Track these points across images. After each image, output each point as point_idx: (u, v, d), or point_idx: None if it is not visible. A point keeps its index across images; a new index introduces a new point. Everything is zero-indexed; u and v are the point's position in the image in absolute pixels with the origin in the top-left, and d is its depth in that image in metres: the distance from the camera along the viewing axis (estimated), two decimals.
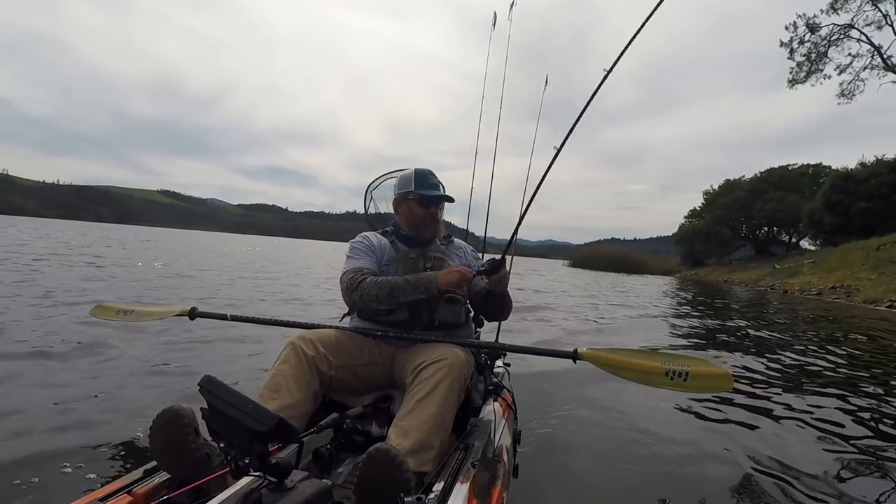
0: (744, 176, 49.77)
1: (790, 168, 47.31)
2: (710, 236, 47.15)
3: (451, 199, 1.99)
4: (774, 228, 45.96)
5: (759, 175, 48.06)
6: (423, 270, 1.85)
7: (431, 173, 1.95)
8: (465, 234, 2.56)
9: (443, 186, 2.01)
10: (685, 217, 53.06)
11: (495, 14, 3.11)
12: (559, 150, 1.83)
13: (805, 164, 47.25)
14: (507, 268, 1.96)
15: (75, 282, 7.52)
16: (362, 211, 2.23)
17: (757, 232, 47.33)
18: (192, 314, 2.13)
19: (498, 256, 1.80)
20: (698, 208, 51.60)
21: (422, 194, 1.89)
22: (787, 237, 45.28)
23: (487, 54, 3.03)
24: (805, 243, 41.35)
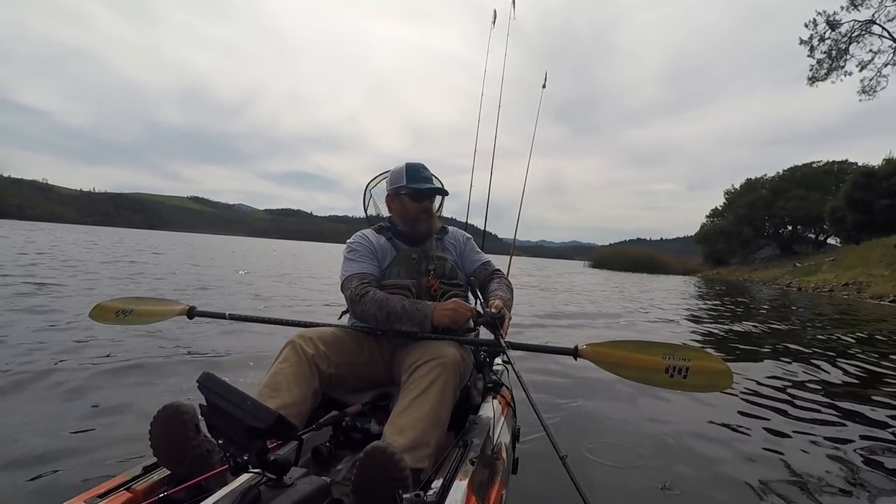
0: (766, 174, 49.48)
1: (814, 165, 46.73)
2: (731, 236, 46.84)
3: (444, 192, 1.95)
4: (799, 227, 45.41)
5: (780, 173, 47.72)
6: (425, 272, 1.82)
7: (423, 167, 1.90)
8: (465, 226, 2.57)
9: (438, 180, 1.96)
10: (707, 216, 52.84)
11: (495, 12, 3.11)
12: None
13: (830, 161, 46.59)
14: (509, 268, 2.07)
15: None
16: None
17: (781, 230, 46.81)
18: (191, 313, 2.11)
19: (495, 308, 1.70)
20: (720, 208, 51.36)
21: (414, 188, 1.84)
22: (814, 235, 44.68)
23: (487, 52, 3.06)
24: (833, 241, 40.80)
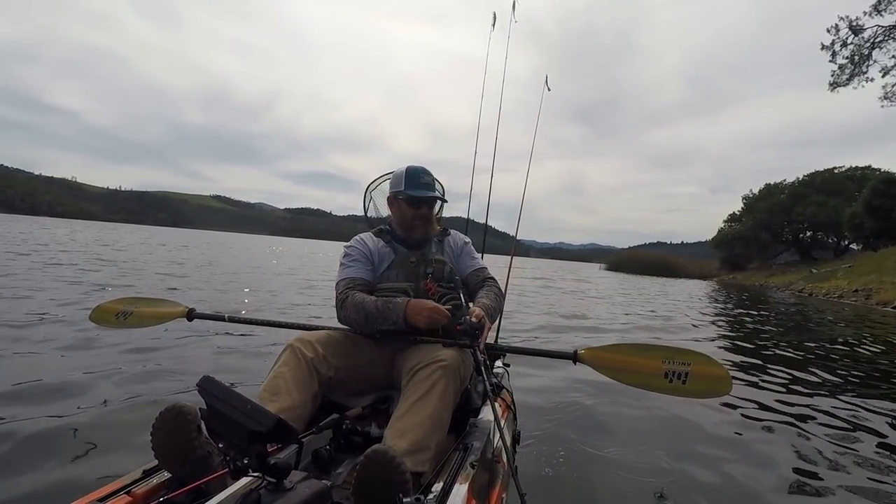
0: (785, 180, 49.06)
1: (836, 171, 46.18)
2: (749, 240, 46.54)
3: (443, 200, 1.93)
4: (819, 234, 44.97)
5: (800, 179, 47.27)
6: (424, 275, 1.82)
7: (424, 171, 1.86)
8: (466, 227, 2.62)
9: (440, 185, 1.94)
10: (724, 221, 52.49)
11: (494, 14, 3.12)
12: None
13: (853, 166, 46.00)
14: (508, 272, 2.19)
15: None
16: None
17: (800, 236, 46.37)
18: (190, 315, 2.10)
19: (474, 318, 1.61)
20: (738, 212, 51.01)
21: (410, 195, 1.82)
22: (836, 241, 44.17)
23: (487, 54, 3.11)
24: (856, 247, 40.33)
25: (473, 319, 1.61)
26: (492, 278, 1.97)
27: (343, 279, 1.80)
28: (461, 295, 1.78)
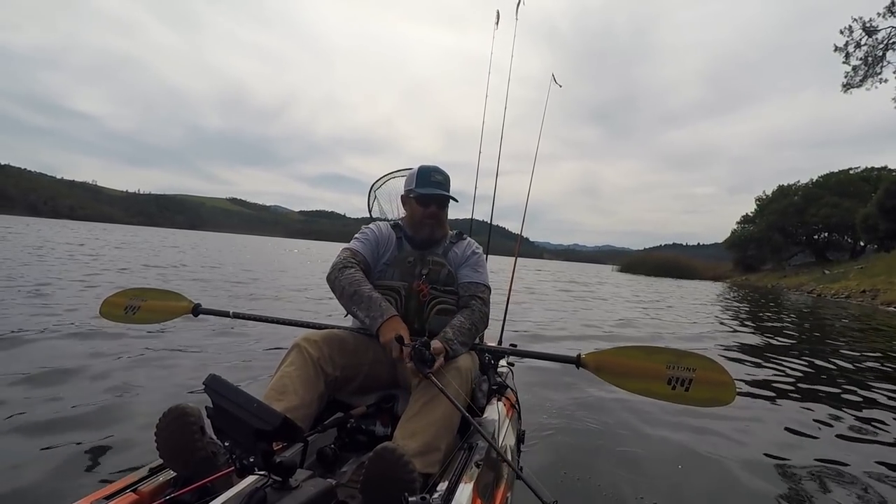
0: (799, 181, 48.89)
1: (851, 172, 45.89)
2: (762, 242, 46.48)
3: (452, 199, 1.89)
4: (835, 235, 44.76)
5: (813, 181, 47.07)
6: (419, 275, 1.81)
7: (437, 170, 1.84)
8: (470, 229, 2.60)
9: (449, 185, 1.89)
10: (737, 223, 52.45)
11: (498, 13, 3.11)
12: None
13: (868, 167, 45.68)
14: (511, 276, 2.19)
15: None
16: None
17: (815, 237, 46.18)
18: (196, 311, 2.11)
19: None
20: (751, 214, 50.96)
21: (420, 192, 1.81)
22: (852, 242, 43.91)
23: (491, 53, 3.12)
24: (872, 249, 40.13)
25: (426, 349, 1.47)
26: (480, 297, 1.83)
27: (349, 248, 1.84)
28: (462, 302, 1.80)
